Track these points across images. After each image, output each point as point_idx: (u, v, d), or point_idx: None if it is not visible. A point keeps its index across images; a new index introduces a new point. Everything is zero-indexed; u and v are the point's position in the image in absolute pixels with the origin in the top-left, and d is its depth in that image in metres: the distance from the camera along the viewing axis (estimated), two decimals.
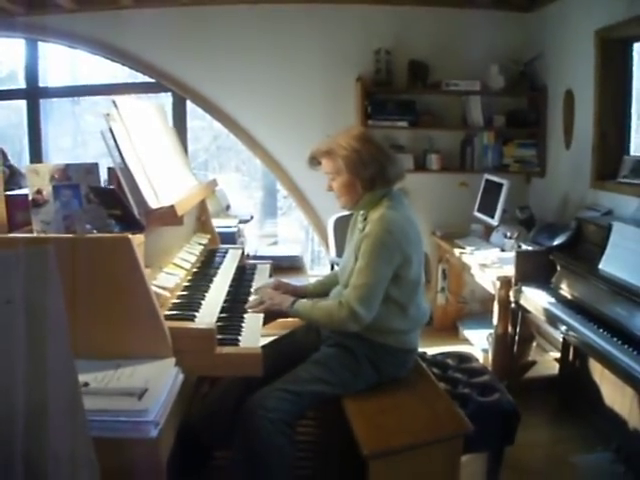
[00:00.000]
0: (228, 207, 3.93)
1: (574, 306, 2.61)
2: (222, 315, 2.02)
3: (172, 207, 1.88)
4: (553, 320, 2.65)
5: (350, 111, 4.12)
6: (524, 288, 2.95)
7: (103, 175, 2.12)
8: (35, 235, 1.82)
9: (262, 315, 2.08)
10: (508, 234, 3.50)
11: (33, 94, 4.36)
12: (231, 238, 3.25)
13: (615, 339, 2.23)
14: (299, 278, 3.50)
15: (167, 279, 2.02)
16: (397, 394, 2.05)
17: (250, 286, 2.43)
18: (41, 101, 4.38)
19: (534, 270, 3.00)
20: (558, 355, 3.34)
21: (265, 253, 3.95)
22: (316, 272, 4.57)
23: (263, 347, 1.80)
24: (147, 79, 4.26)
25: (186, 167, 2.67)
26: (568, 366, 3.14)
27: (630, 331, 2.21)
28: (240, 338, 1.86)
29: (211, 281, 2.29)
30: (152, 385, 1.50)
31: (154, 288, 1.76)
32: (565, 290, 2.78)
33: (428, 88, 4.13)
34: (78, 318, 1.52)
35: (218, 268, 2.49)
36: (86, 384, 1.47)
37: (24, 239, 1.76)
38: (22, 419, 1.05)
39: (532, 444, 2.66)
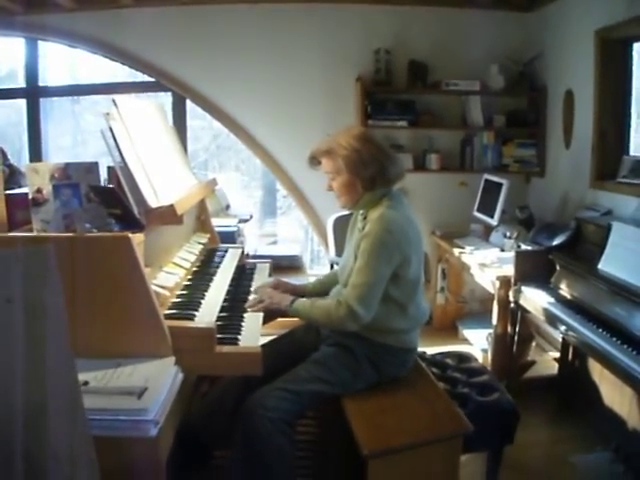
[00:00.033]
0: (228, 206, 3.93)
1: (573, 306, 2.61)
2: (222, 314, 2.02)
3: (172, 206, 1.88)
4: (552, 320, 2.65)
5: (350, 111, 4.12)
6: (523, 288, 2.95)
7: (103, 174, 2.12)
8: (35, 234, 1.82)
9: (262, 314, 2.08)
10: (507, 234, 3.50)
11: (33, 93, 4.36)
12: (231, 237, 3.25)
13: (614, 339, 2.23)
14: (298, 277, 3.51)
15: (167, 278, 2.02)
16: (397, 394, 2.05)
17: (250, 285, 2.43)
18: (41, 100, 4.38)
19: (533, 270, 3.00)
20: (557, 355, 3.34)
21: (265, 252, 3.96)
22: (315, 271, 4.58)
23: (263, 346, 1.81)
24: (147, 78, 4.27)
25: (186, 166, 2.67)
26: (567, 366, 3.14)
27: (629, 331, 2.21)
28: (240, 337, 1.86)
29: (211, 280, 2.29)
30: (152, 384, 1.50)
31: (154, 287, 1.77)
32: (564, 290, 2.78)
33: (428, 88, 4.13)
34: (78, 317, 1.52)
35: (218, 267, 2.49)
36: (86, 383, 1.47)
37: (24, 238, 1.76)
38: (22, 418, 1.05)
39: (531, 444, 2.67)
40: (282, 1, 4.08)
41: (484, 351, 3.54)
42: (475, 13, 4.17)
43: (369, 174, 2.02)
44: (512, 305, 3.08)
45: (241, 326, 1.96)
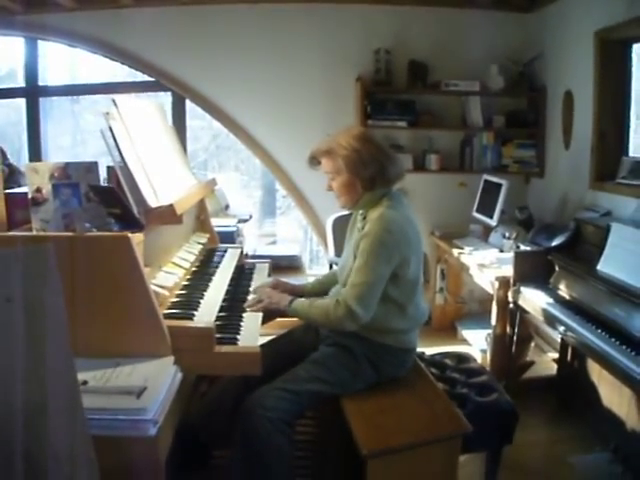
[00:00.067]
0: (227, 206, 3.93)
1: (572, 306, 2.61)
2: (221, 314, 2.02)
3: (171, 206, 1.88)
4: (551, 320, 2.65)
5: (350, 111, 4.12)
6: (522, 288, 2.95)
7: (102, 174, 2.12)
8: (34, 233, 1.82)
9: (261, 314, 2.08)
10: (507, 234, 3.50)
11: (32, 93, 4.35)
12: (230, 237, 3.25)
13: (613, 340, 2.23)
14: (298, 277, 3.51)
15: (166, 278, 2.02)
16: (396, 394, 2.05)
17: (249, 285, 2.43)
18: (40, 100, 4.38)
19: (532, 270, 3.00)
20: (556, 355, 3.34)
21: (264, 252, 3.97)
22: (315, 271, 4.58)
23: (262, 346, 1.81)
24: (147, 78, 4.26)
25: (185, 166, 2.67)
26: (566, 366, 3.14)
27: (628, 332, 2.21)
28: (239, 337, 1.86)
29: (210, 280, 2.29)
30: (151, 384, 1.50)
31: (153, 287, 1.77)
32: (563, 290, 2.78)
33: (428, 88, 4.13)
34: (77, 316, 1.52)
35: (217, 267, 2.49)
36: (85, 382, 1.47)
37: (23, 237, 1.76)
38: (22, 417, 1.05)
39: (530, 444, 2.67)
40: (282, 1, 4.08)
41: (483, 351, 3.54)
42: (475, 13, 4.17)
43: (369, 174, 2.02)
44: (511, 306, 3.08)
45: (240, 326, 1.96)
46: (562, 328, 2.54)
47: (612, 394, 2.64)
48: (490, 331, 3.30)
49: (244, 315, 2.06)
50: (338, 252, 3.65)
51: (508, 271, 3.09)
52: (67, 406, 1.14)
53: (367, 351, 2.06)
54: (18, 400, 1.05)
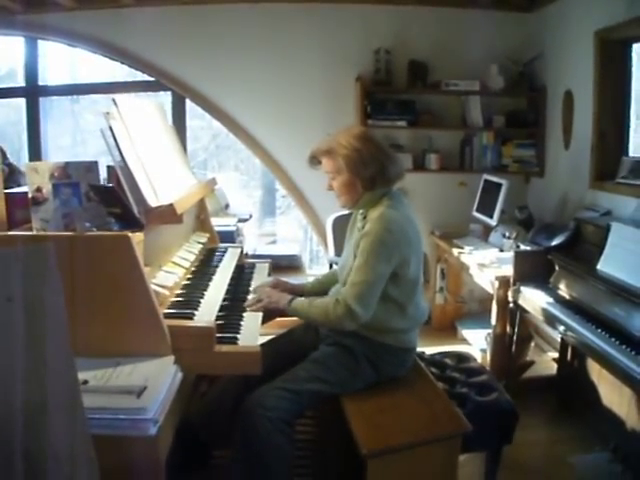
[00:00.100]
0: (227, 206, 3.94)
1: (572, 306, 2.61)
2: (221, 313, 2.02)
3: (171, 205, 1.88)
4: (551, 320, 2.65)
5: (350, 111, 4.12)
6: (522, 288, 2.95)
7: (103, 173, 2.12)
8: (35, 233, 1.82)
9: (261, 314, 2.08)
10: (507, 234, 3.50)
11: (32, 92, 4.35)
12: (230, 237, 3.25)
13: (613, 339, 2.24)
14: (298, 277, 3.51)
15: (166, 277, 2.03)
16: (396, 393, 2.05)
17: (249, 285, 2.43)
18: (40, 99, 4.38)
19: (532, 270, 3.00)
20: (556, 355, 3.34)
21: (264, 252, 3.98)
22: (315, 271, 4.58)
23: (262, 346, 1.81)
24: (147, 78, 4.27)
25: (185, 166, 2.67)
26: (566, 366, 3.14)
27: (628, 331, 2.21)
28: (239, 336, 1.86)
29: (210, 280, 2.29)
30: (151, 383, 1.50)
31: (153, 286, 1.77)
32: (563, 290, 2.79)
33: (428, 88, 4.13)
34: (78, 316, 1.52)
35: (217, 267, 2.49)
36: (85, 382, 1.47)
37: (24, 237, 1.76)
38: (21, 417, 1.05)
39: (530, 444, 2.67)
40: (282, 1, 4.08)
41: (483, 351, 3.54)
42: (475, 13, 4.17)
43: (369, 174, 2.02)
44: (511, 305, 3.08)
45: (240, 325, 1.96)
46: (562, 328, 2.55)
47: (612, 394, 2.64)
48: (490, 331, 3.30)
49: (244, 315, 2.06)
50: (338, 252, 3.66)
51: (508, 271, 3.09)
52: (67, 405, 1.14)
53: (367, 351, 2.06)
54: (18, 399, 1.05)
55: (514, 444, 2.20)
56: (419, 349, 2.31)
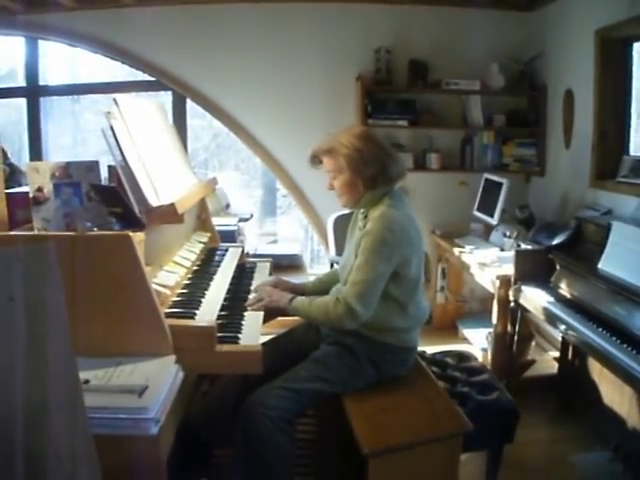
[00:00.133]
0: (228, 205, 3.94)
1: (573, 305, 2.61)
2: (222, 313, 2.02)
3: (172, 205, 1.88)
4: (552, 319, 2.65)
5: (350, 110, 4.12)
6: (523, 287, 2.95)
7: (103, 173, 2.12)
8: (36, 233, 1.82)
9: (262, 313, 2.08)
10: (507, 233, 3.50)
11: (33, 92, 4.36)
12: (231, 236, 3.26)
13: (614, 338, 2.24)
14: (299, 276, 3.51)
15: (167, 277, 2.03)
16: (397, 393, 2.05)
17: (250, 284, 2.44)
18: (41, 99, 4.38)
19: (533, 269, 3.00)
20: (557, 354, 3.35)
21: (265, 251, 3.98)
22: (315, 270, 4.57)
23: (262, 345, 1.81)
24: (147, 77, 4.27)
25: (186, 165, 2.67)
26: (567, 365, 3.14)
27: (629, 330, 2.21)
28: (240, 336, 1.86)
29: (211, 279, 2.29)
30: (152, 383, 1.50)
31: (154, 286, 1.77)
32: (564, 289, 2.79)
33: (428, 87, 4.13)
34: (79, 316, 1.52)
35: (218, 266, 2.50)
36: (87, 381, 1.48)
37: (24, 237, 1.76)
38: (22, 416, 1.05)
39: (531, 443, 2.67)
40: (282, 0, 4.08)
41: (484, 350, 3.54)
42: (475, 12, 4.16)
43: (370, 173, 2.02)
44: (512, 304, 3.08)
45: (241, 325, 1.96)
46: (563, 327, 2.55)
47: (613, 393, 2.64)
48: (491, 330, 3.30)
49: (245, 314, 2.07)
50: (339, 251, 3.66)
51: (509, 270, 3.10)
52: (68, 405, 1.14)
53: (368, 350, 2.06)
54: (19, 399, 1.05)
55: (515, 443, 2.20)
56: (420, 348, 2.31)
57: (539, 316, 2.81)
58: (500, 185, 3.71)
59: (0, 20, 4.02)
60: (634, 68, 3.30)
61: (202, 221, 2.91)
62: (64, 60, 4.82)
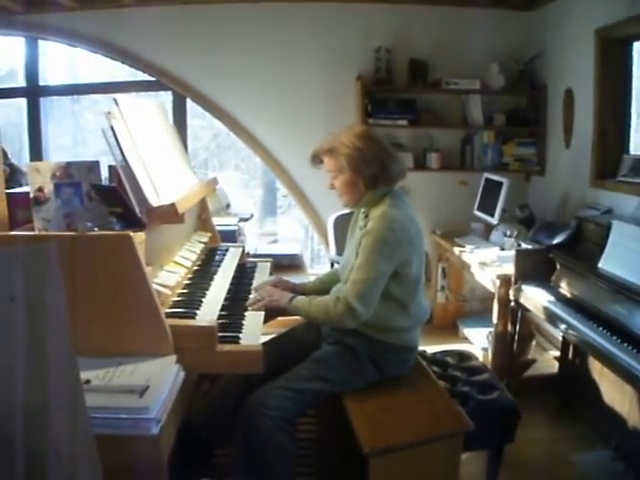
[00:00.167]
0: (228, 205, 3.94)
1: (574, 304, 2.61)
2: (223, 313, 2.02)
3: (173, 205, 1.88)
4: (553, 318, 2.65)
5: (350, 110, 4.12)
6: (524, 287, 2.95)
7: (104, 173, 2.12)
8: (36, 233, 1.82)
9: (263, 313, 2.08)
10: (508, 233, 3.50)
11: (33, 92, 4.36)
12: (231, 236, 3.26)
13: (615, 337, 2.24)
14: (299, 276, 3.51)
15: (168, 277, 2.03)
16: (397, 392, 2.05)
17: (250, 284, 2.44)
18: (41, 99, 4.38)
19: (534, 269, 3.00)
20: (558, 354, 3.35)
21: (265, 251, 3.98)
22: (316, 270, 4.57)
23: (263, 345, 1.81)
24: (147, 77, 4.27)
25: (187, 165, 2.67)
26: (568, 364, 3.14)
27: (630, 329, 2.22)
28: (241, 336, 1.86)
29: (212, 279, 2.29)
30: (153, 382, 1.50)
31: (155, 286, 1.77)
32: (565, 289, 2.79)
33: (428, 87, 4.13)
34: (79, 316, 1.52)
35: (219, 266, 2.50)
36: (88, 381, 1.48)
37: (25, 237, 1.76)
38: (23, 416, 1.05)
39: (532, 442, 2.67)
40: (282, 0, 4.08)
41: (484, 350, 3.54)
42: (475, 12, 4.16)
43: (371, 172, 2.02)
44: (512, 304, 3.08)
45: (242, 324, 1.96)
46: (563, 326, 2.55)
47: (613, 392, 2.64)
48: (491, 329, 3.30)
49: (246, 314, 2.07)
50: (339, 251, 3.66)
51: (509, 269, 3.10)
52: (68, 405, 1.14)
53: (369, 349, 2.06)
54: (19, 399, 1.05)
55: (516, 442, 2.20)
56: (421, 348, 2.31)
57: (539, 315, 2.81)
58: (500, 184, 3.71)
59: (0, 20, 4.02)
60: (634, 67, 3.30)
61: (202, 221, 2.91)
62: (64, 60, 4.82)
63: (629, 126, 3.37)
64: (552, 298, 2.74)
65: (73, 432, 1.14)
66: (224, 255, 2.69)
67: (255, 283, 2.44)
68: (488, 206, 3.83)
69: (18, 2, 3.88)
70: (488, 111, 4.16)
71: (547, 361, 3.50)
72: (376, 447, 1.78)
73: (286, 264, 3.89)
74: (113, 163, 1.99)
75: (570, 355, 3.11)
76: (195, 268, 2.41)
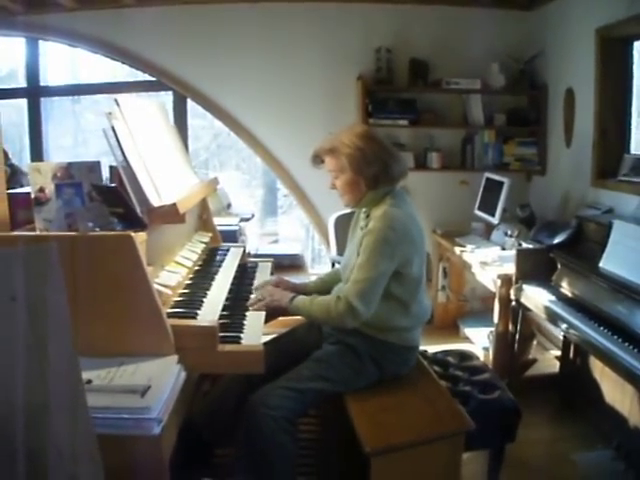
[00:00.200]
0: (229, 205, 3.95)
1: (575, 304, 2.61)
2: (224, 313, 2.02)
3: (174, 205, 1.88)
4: (554, 318, 2.65)
5: (351, 109, 4.12)
6: (525, 286, 2.95)
7: (105, 173, 2.12)
8: (37, 233, 1.82)
9: (264, 313, 2.08)
10: (509, 232, 3.50)
11: (34, 93, 4.36)
12: (232, 236, 3.26)
13: (616, 337, 2.24)
14: (300, 276, 3.52)
15: (169, 277, 2.03)
16: (399, 392, 2.05)
17: (252, 284, 2.44)
18: (42, 100, 4.39)
19: (535, 268, 3.00)
20: (559, 353, 3.35)
21: (266, 251, 3.98)
22: (317, 270, 4.57)
23: (264, 345, 1.81)
24: (148, 77, 4.27)
25: (187, 165, 2.67)
26: (569, 364, 3.14)
27: (631, 329, 2.22)
28: (242, 336, 1.86)
29: (213, 279, 2.29)
30: (155, 382, 1.50)
31: (156, 286, 1.77)
32: (566, 288, 2.79)
33: (429, 86, 4.13)
34: (80, 316, 1.52)
35: (220, 266, 2.50)
36: (89, 381, 1.48)
37: (26, 237, 1.76)
38: (24, 416, 1.05)
39: (533, 442, 2.67)
40: (282, 0, 4.08)
41: (485, 349, 3.54)
42: (476, 11, 4.17)
43: (372, 172, 2.02)
44: (513, 303, 3.08)
45: (243, 324, 1.96)
46: (564, 326, 2.55)
47: (614, 391, 2.64)
48: (492, 329, 3.30)
49: (247, 314, 2.06)
50: (340, 251, 3.66)
51: (510, 269, 3.10)
52: (69, 405, 1.14)
53: (370, 349, 2.06)
54: (20, 399, 1.05)
55: (517, 442, 2.20)
56: (422, 347, 2.31)
57: (540, 315, 2.81)
58: (501, 184, 3.71)
59: (0, 21, 4.02)
60: (634, 67, 3.30)
61: (203, 221, 2.91)
62: (64, 60, 4.82)
63: (630, 125, 3.36)
64: (553, 298, 2.75)
65: (74, 432, 1.14)
66: (225, 255, 2.69)
67: (256, 283, 2.44)
68: (489, 206, 3.83)
69: (18, 2, 3.89)
70: (489, 111, 4.16)
71: (548, 361, 3.50)
72: (377, 447, 1.78)
73: (287, 264, 3.90)
74: (114, 163, 1.99)
75: (571, 355, 3.11)
76: (196, 268, 2.41)
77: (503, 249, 3.47)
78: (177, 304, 1.96)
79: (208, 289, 2.16)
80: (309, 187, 4.27)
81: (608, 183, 3.27)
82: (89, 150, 4.93)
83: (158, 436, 1.40)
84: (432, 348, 2.65)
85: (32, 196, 1.86)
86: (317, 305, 2.04)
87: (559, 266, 2.90)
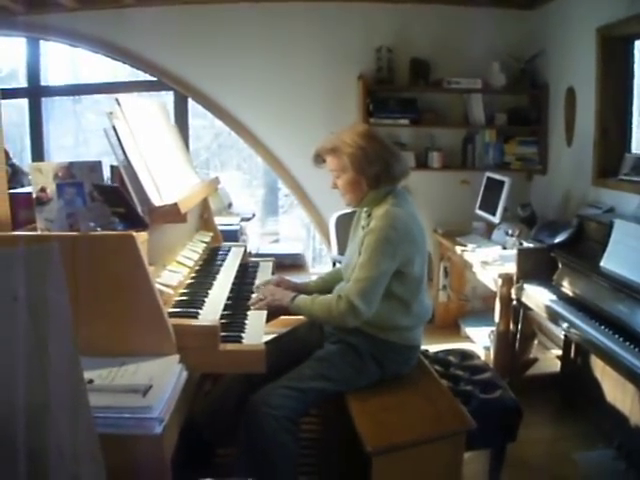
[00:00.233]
0: (230, 205, 3.95)
1: (576, 303, 2.61)
2: (225, 312, 2.02)
3: (175, 205, 1.88)
4: (555, 317, 2.65)
5: (352, 109, 4.13)
6: (526, 285, 2.95)
7: (106, 173, 2.12)
8: (39, 233, 1.83)
9: (265, 312, 2.08)
10: (510, 232, 3.50)
11: (35, 93, 4.37)
12: (233, 236, 3.26)
13: (617, 336, 2.23)
14: (301, 275, 3.52)
15: (170, 277, 2.03)
16: (400, 391, 2.05)
17: (253, 283, 2.44)
18: (43, 100, 4.39)
19: (536, 267, 3.00)
20: (560, 352, 3.34)
21: (267, 251, 3.99)
22: (318, 270, 4.57)
23: (266, 344, 1.81)
24: (148, 77, 4.27)
25: (188, 165, 2.67)
26: (570, 363, 3.14)
27: (632, 328, 2.21)
28: (243, 335, 1.86)
29: (214, 279, 2.30)
30: (156, 382, 1.50)
31: (158, 286, 1.77)
32: (567, 287, 2.78)
33: (430, 86, 4.13)
34: (82, 316, 1.53)
35: (221, 266, 2.50)
36: (91, 381, 1.48)
37: (28, 237, 1.77)
38: (25, 416, 1.05)
39: (534, 441, 2.67)
40: (284, 0, 4.08)
41: (486, 349, 3.54)
42: (476, 11, 4.16)
43: (374, 172, 2.02)
44: (514, 303, 3.08)
45: (245, 324, 1.96)
46: (565, 325, 2.55)
47: (616, 391, 2.64)
48: (493, 328, 3.30)
49: (248, 313, 2.06)
50: (341, 250, 3.66)
51: (511, 268, 3.10)
52: (71, 404, 1.14)
53: (371, 348, 2.06)
54: (21, 399, 1.05)
55: (518, 441, 2.20)
56: (423, 347, 2.31)
57: (541, 314, 2.81)
58: (502, 183, 3.71)
59: (1, 21, 4.03)
60: (635, 66, 3.30)
61: (205, 221, 2.91)
62: (65, 60, 4.82)
63: (631, 124, 3.36)
64: (554, 297, 2.74)
65: (76, 432, 1.15)
66: (226, 255, 2.69)
67: (257, 282, 2.44)
68: (490, 205, 3.83)
69: (19, 3, 3.89)
70: (489, 110, 4.16)
71: (549, 360, 3.50)
72: (379, 446, 1.78)
73: (288, 263, 3.90)
74: (115, 163, 2.00)
75: (572, 354, 3.11)
76: (197, 268, 2.41)
77: (504, 248, 3.47)
78: (178, 304, 1.97)
79: (209, 289, 2.16)
80: (310, 187, 4.27)
81: (609, 182, 3.27)
82: (90, 150, 4.94)
83: (160, 436, 1.41)
84: (433, 347, 2.66)
85: (33, 196, 1.86)
86: (318, 304, 2.04)
87: (560, 265, 2.90)
